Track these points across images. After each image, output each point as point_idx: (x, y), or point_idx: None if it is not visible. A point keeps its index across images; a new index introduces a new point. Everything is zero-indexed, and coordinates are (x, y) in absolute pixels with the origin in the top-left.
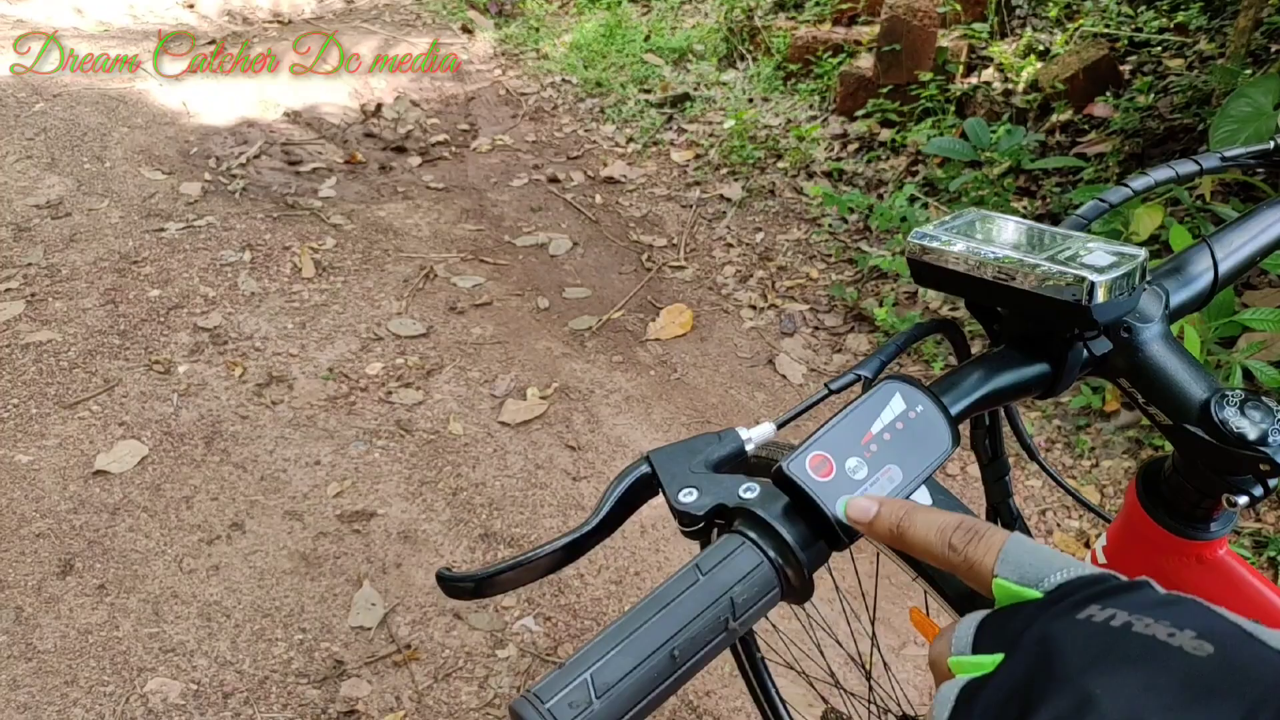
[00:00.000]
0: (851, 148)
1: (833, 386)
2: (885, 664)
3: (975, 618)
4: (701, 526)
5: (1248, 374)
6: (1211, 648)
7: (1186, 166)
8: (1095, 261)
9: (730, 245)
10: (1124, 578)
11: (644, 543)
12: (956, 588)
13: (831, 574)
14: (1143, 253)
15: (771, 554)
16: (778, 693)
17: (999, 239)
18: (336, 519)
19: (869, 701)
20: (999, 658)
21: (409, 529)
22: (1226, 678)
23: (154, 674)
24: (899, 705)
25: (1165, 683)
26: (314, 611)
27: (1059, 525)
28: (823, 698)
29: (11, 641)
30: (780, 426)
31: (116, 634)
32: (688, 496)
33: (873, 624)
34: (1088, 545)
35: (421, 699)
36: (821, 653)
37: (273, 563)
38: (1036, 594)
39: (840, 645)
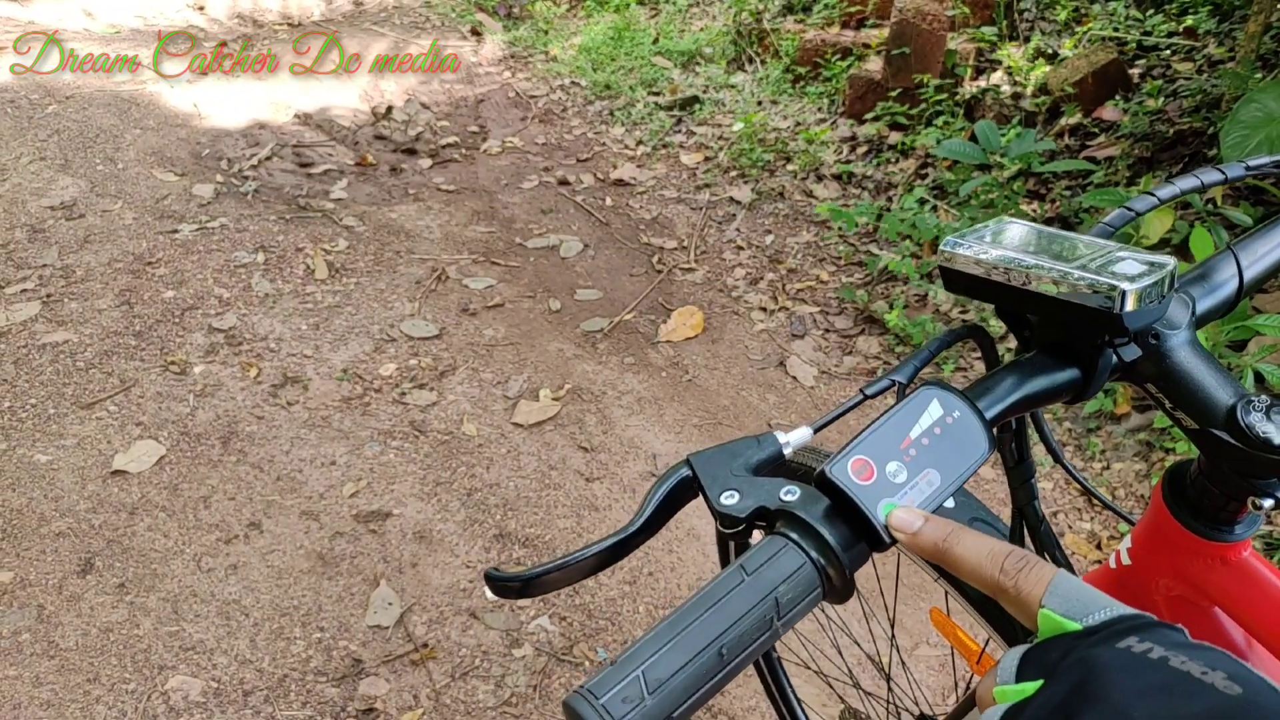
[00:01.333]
0: (860, 150)
1: (868, 392)
2: (903, 663)
3: (1018, 651)
4: (741, 529)
5: (1259, 377)
6: (1240, 689)
7: (1211, 175)
8: (1126, 270)
9: (740, 248)
10: (1157, 619)
11: (658, 544)
12: (980, 590)
13: None
14: (1172, 261)
15: (814, 555)
16: (794, 692)
17: (1029, 246)
18: (352, 519)
19: (887, 701)
20: (1040, 683)
21: (424, 529)
22: (1253, 717)
23: (175, 672)
24: (916, 705)
25: (1198, 712)
26: (331, 610)
27: (1070, 527)
28: (840, 697)
29: (34, 639)
30: (817, 430)
31: (137, 632)
32: (729, 499)
33: (891, 624)
34: (1099, 547)
35: (439, 697)
36: (839, 652)
37: (290, 562)
38: (1078, 626)
39: (858, 645)
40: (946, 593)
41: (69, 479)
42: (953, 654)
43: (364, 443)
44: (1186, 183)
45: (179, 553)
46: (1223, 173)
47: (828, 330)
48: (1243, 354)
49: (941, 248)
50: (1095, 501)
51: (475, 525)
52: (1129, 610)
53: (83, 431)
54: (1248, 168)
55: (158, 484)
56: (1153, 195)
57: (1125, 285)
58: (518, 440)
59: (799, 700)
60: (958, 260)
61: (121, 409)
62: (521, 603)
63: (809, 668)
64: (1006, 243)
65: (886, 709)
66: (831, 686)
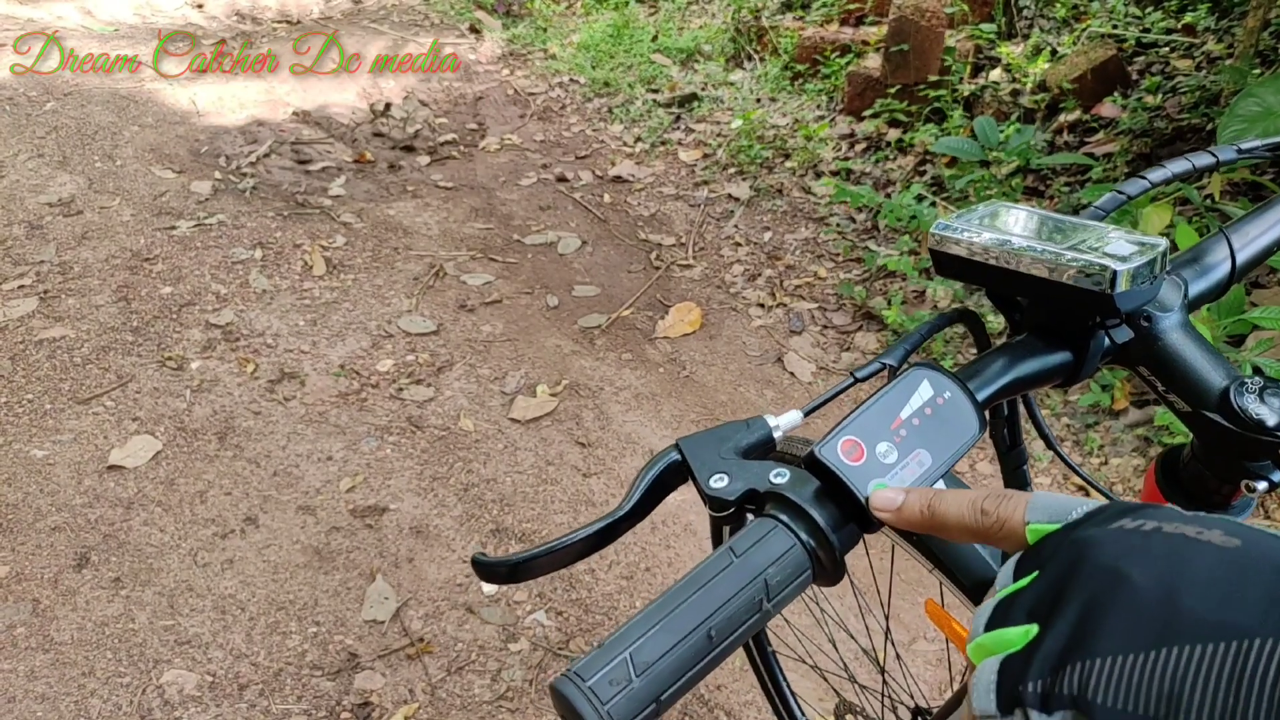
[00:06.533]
0: (859, 148)
1: (859, 375)
2: (899, 657)
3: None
4: (732, 511)
5: (1257, 370)
6: (1239, 541)
7: (1203, 159)
8: (1117, 250)
9: (738, 244)
10: (1144, 503)
11: (655, 539)
12: (972, 577)
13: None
14: (1163, 242)
15: (804, 536)
16: (789, 686)
17: (1020, 229)
18: (349, 514)
19: (882, 695)
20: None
21: (421, 524)
22: (1254, 563)
23: (170, 666)
24: (912, 698)
25: (1196, 567)
26: (327, 605)
27: None
28: (836, 691)
29: (29, 633)
30: (807, 414)
31: (132, 626)
32: (719, 482)
33: (886, 617)
34: None
35: (435, 691)
36: (834, 646)
37: (286, 557)
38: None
39: (853, 638)
40: (941, 584)
41: (65, 474)
42: (948, 647)
43: (361, 438)
44: (1178, 166)
45: (175, 547)
46: (1214, 155)
47: (825, 326)
48: (1241, 348)
49: (932, 231)
50: (1090, 490)
51: (472, 520)
52: (1116, 501)
53: (79, 427)
54: (1239, 150)
55: (154, 479)
56: (1144, 178)
57: (1117, 265)
58: (515, 436)
59: (794, 694)
60: (948, 243)
61: (118, 404)
62: (518, 597)
63: (805, 662)
64: (997, 226)
65: (882, 702)
66: (827, 680)
